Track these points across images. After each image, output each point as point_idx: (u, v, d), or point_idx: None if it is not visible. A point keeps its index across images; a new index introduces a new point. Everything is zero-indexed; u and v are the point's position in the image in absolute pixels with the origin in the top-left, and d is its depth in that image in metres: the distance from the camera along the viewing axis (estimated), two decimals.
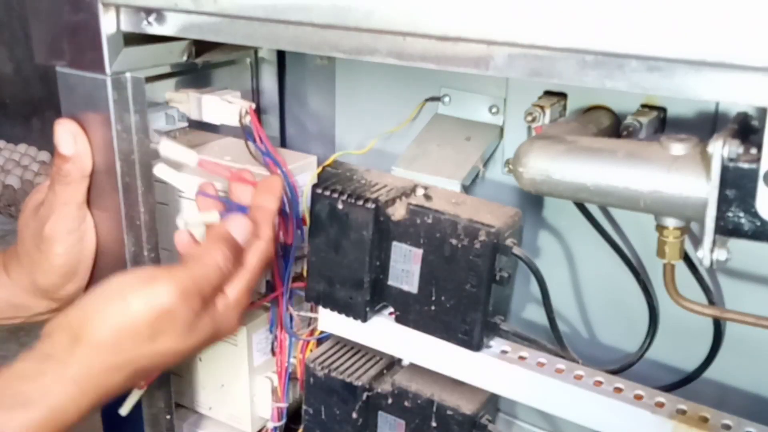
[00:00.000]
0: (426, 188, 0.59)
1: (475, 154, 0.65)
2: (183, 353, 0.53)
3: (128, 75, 0.59)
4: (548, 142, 0.52)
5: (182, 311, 0.51)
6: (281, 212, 0.62)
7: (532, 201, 0.66)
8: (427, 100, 0.70)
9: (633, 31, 0.39)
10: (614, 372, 0.57)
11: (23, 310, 0.65)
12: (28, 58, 3.03)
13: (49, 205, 0.60)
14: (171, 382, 0.68)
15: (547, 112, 0.59)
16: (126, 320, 0.50)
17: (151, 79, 0.63)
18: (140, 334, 0.50)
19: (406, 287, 0.57)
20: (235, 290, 0.55)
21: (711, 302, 0.58)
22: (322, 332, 0.65)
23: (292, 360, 0.68)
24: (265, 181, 0.59)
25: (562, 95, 0.62)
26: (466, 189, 0.64)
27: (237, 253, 0.55)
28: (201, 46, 0.66)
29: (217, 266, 0.53)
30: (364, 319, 0.58)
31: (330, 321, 0.61)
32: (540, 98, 0.62)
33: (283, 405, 0.70)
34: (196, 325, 0.52)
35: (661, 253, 0.51)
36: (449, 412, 0.58)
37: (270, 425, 0.71)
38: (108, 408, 0.63)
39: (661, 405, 0.51)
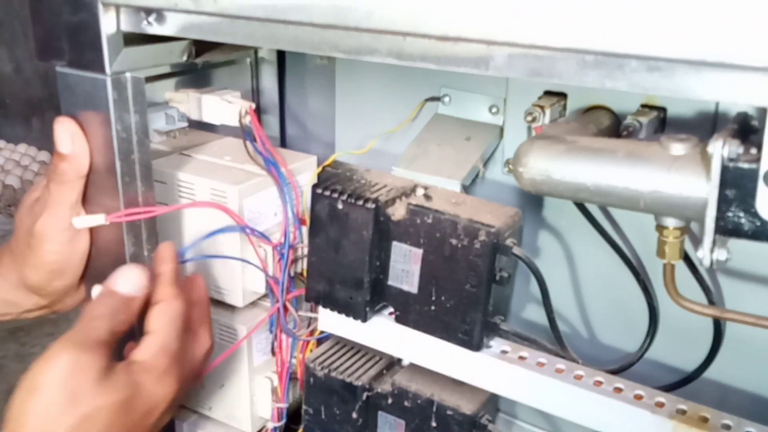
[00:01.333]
0: (426, 188, 0.59)
1: (475, 154, 0.65)
2: (117, 411, 0.52)
3: (128, 75, 0.59)
4: (548, 142, 0.52)
5: (84, 362, 0.51)
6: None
7: (532, 201, 0.66)
8: (427, 100, 0.70)
9: (633, 31, 0.39)
10: (614, 372, 0.57)
11: (13, 307, 0.65)
12: (28, 58, 3.03)
13: (43, 202, 0.60)
14: None
15: (547, 112, 0.59)
16: (42, 400, 0.50)
17: (151, 79, 0.63)
18: (60, 405, 0.50)
19: (406, 287, 0.57)
20: (147, 352, 0.55)
21: (711, 302, 0.58)
22: (322, 332, 0.65)
23: (292, 360, 0.68)
24: (157, 253, 0.60)
25: (562, 95, 0.62)
26: (466, 189, 0.63)
27: (127, 303, 0.56)
28: (201, 46, 0.66)
29: (99, 313, 0.54)
30: (364, 319, 0.58)
31: (330, 321, 0.61)
32: (540, 98, 0.62)
33: (283, 405, 0.70)
34: (110, 376, 0.52)
35: (661, 253, 0.51)
36: (449, 412, 0.58)
37: (270, 425, 0.71)
38: None
39: (661, 405, 0.51)
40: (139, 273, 0.57)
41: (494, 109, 0.67)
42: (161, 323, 0.56)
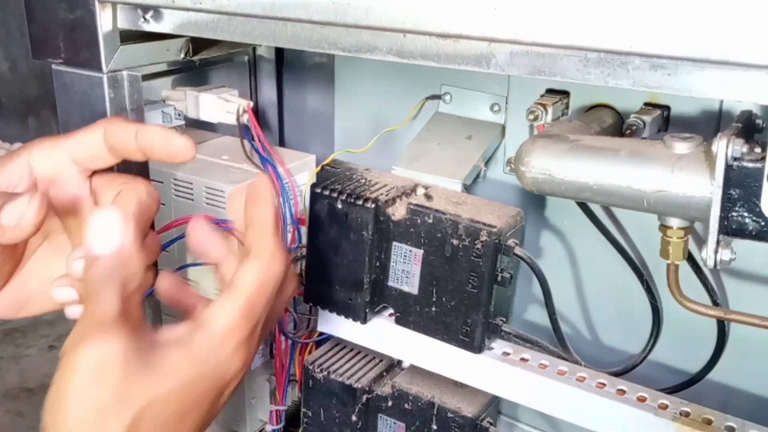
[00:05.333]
0: (427, 188, 0.58)
1: (476, 153, 0.64)
2: (180, 397, 0.41)
3: (125, 73, 0.58)
4: (550, 141, 0.51)
5: (106, 355, 0.39)
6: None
7: (534, 200, 0.66)
8: (427, 98, 0.69)
9: (636, 29, 0.39)
10: (617, 374, 0.56)
11: None
12: (24, 56, 3.03)
13: None
14: None
15: (550, 110, 0.59)
16: (75, 417, 0.39)
17: (147, 77, 0.63)
18: (98, 415, 0.40)
19: (406, 288, 0.56)
20: (227, 316, 0.42)
21: (715, 303, 0.58)
22: (321, 334, 0.65)
23: (290, 362, 0.68)
24: (251, 190, 0.47)
25: (564, 93, 0.61)
26: (468, 188, 0.63)
27: (119, 257, 0.42)
28: (198, 44, 0.65)
29: (93, 289, 0.41)
30: (364, 321, 0.58)
31: (329, 322, 0.60)
32: (542, 96, 0.61)
33: (282, 407, 0.70)
34: (154, 356, 0.41)
35: (664, 253, 0.50)
36: (450, 415, 0.58)
37: (268, 428, 0.71)
38: None
39: (664, 407, 0.51)
40: (113, 221, 0.42)
41: (496, 108, 0.66)
42: (252, 282, 0.43)
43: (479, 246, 0.52)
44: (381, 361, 0.63)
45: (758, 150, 0.44)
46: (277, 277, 0.44)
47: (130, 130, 0.47)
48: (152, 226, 0.49)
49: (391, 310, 0.58)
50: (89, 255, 0.42)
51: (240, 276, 0.43)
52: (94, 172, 0.50)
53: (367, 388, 0.61)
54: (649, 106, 0.58)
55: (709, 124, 0.56)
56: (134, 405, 0.40)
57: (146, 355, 0.40)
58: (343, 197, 0.56)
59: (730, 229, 0.45)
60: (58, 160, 0.49)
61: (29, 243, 0.51)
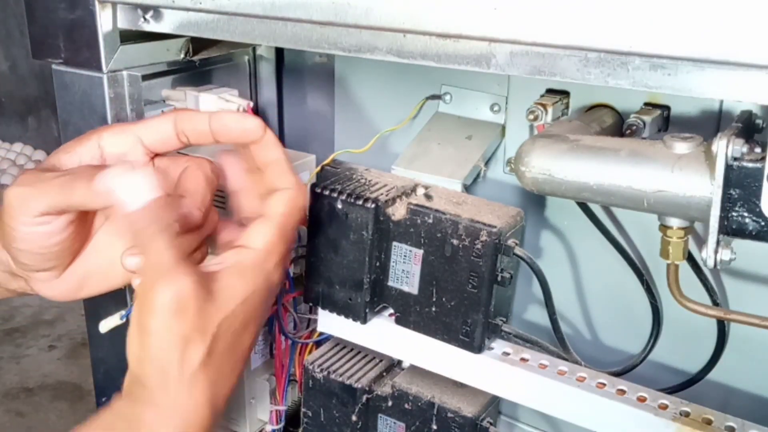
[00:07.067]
0: (427, 188, 0.58)
1: (476, 153, 0.64)
2: (240, 315, 0.48)
3: (125, 73, 0.58)
4: (550, 141, 0.51)
5: (176, 298, 0.45)
6: None
7: (534, 200, 0.66)
8: (427, 98, 0.69)
9: (636, 29, 0.39)
10: (617, 374, 0.56)
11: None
12: (24, 56, 3.04)
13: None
14: None
15: (550, 110, 0.59)
16: (160, 357, 0.46)
17: (147, 77, 0.63)
18: (180, 349, 0.46)
19: (406, 288, 0.56)
20: (263, 238, 0.49)
21: (715, 303, 0.58)
22: (321, 334, 0.65)
23: (290, 362, 0.68)
24: (259, 137, 0.52)
25: (564, 93, 0.61)
26: (468, 188, 0.63)
27: (157, 206, 0.46)
28: (198, 44, 0.65)
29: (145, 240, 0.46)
30: (364, 321, 0.58)
31: (329, 322, 0.60)
32: (542, 96, 0.61)
33: (282, 408, 0.70)
34: (216, 288, 0.46)
35: (664, 253, 0.50)
36: (450, 415, 0.58)
37: (268, 428, 0.71)
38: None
39: (664, 407, 0.51)
40: (139, 179, 0.46)
41: (496, 108, 0.66)
42: (281, 209, 0.50)
43: (479, 246, 0.52)
44: (381, 361, 0.63)
45: (758, 150, 0.44)
46: (301, 205, 0.52)
47: (203, 115, 0.52)
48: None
49: (391, 310, 0.58)
50: (126, 213, 0.46)
51: (271, 205, 0.50)
52: (156, 155, 0.54)
53: (367, 388, 0.61)
54: (649, 106, 0.58)
55: (709, 124, 0.56)
56: (210, 330, 0.46)
57: (209, 285, 0.46)
58: (343, 197, 0.56)
59: (730, 229, 0.45)
60: (127, 141, 0.53)
61: (93, 223, 0.54)
